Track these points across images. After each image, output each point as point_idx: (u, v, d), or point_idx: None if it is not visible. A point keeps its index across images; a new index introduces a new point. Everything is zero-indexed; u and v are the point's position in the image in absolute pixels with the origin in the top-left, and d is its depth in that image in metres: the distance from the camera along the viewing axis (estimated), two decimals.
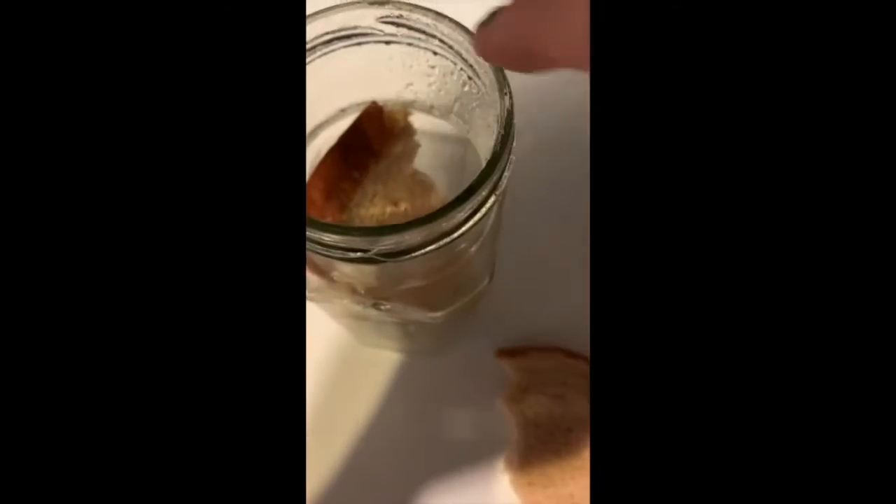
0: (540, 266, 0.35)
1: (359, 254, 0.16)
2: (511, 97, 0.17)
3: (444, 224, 0.16)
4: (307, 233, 0.16)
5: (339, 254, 0.16)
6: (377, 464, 0.32)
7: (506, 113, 0.17)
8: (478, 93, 0.19)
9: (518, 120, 0.18)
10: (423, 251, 0.16)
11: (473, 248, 0.21)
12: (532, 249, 0.33)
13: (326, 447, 0.32)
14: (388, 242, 0.16)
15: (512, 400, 0.32)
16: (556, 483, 0.31)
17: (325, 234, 0.16)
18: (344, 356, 0.34)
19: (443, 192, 0.23)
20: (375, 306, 0.21)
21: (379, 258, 0.16)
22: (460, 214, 0.16)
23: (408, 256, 0.16)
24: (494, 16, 0.16)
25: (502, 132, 0.17)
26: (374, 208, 0.23)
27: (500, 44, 0.16)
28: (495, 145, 0.17)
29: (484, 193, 0.17)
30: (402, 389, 0.33)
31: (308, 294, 0.22)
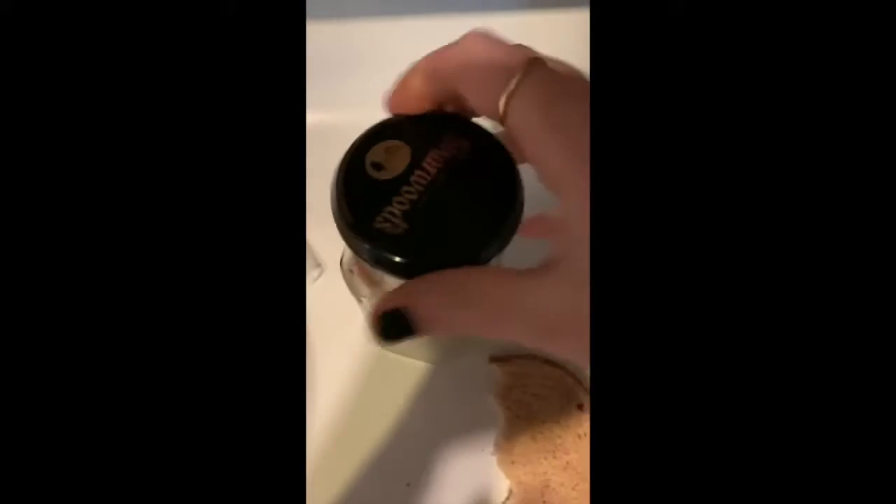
0: None
1: None
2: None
3: None
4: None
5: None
6: (390, 444, 0.36)
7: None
8: None
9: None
10: None
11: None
12: None
13: (349, 432, 0.37)
14: None
15: (500, 396, 0.36)
16: (533, 462, 0.35)
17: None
18: (370, 362, 0.39)
19: None
20: None
21: None
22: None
23: None
24: None
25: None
26: None
27: None
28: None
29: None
30: (414, 387, 0.38)
31: (360, 299, 0.30)
